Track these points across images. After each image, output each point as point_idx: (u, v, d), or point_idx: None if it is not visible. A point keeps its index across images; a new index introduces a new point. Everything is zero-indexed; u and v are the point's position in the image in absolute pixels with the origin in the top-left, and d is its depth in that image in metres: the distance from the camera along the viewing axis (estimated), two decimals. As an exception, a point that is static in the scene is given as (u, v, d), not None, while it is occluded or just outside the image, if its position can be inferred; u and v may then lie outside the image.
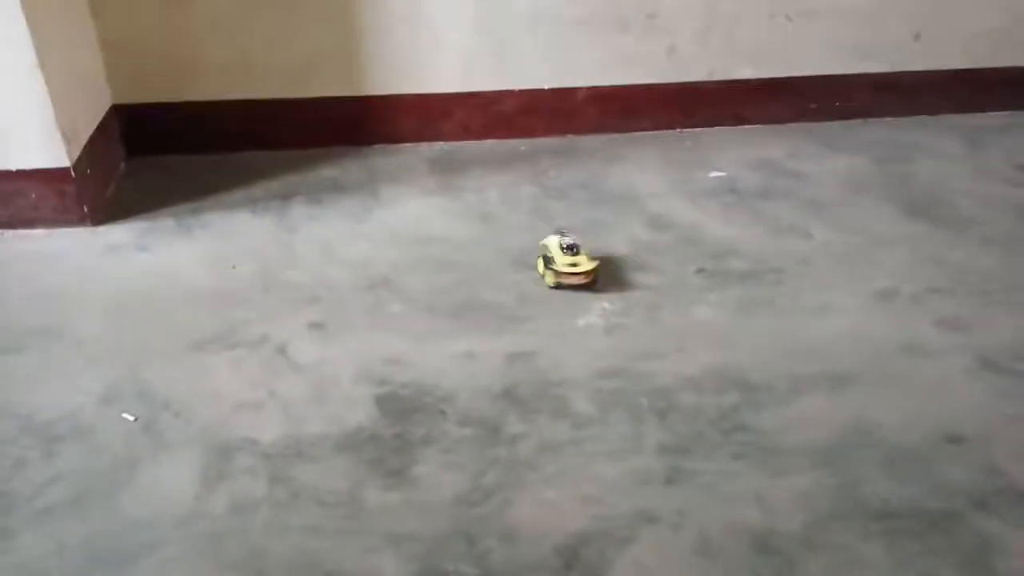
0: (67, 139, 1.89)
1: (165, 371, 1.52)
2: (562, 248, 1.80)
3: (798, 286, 1.81)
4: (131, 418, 1.42)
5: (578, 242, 1.81)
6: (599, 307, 1.73)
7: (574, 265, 1.75)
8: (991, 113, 2.61)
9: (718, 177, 2.26)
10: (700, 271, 1.82)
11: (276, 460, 1.34)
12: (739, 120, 2.53)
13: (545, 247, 1.83)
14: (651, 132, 2.49)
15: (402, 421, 1.42)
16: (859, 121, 2.57)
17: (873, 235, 2.01)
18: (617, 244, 1.95)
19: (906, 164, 2.35)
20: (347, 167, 2.28)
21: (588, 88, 2.43)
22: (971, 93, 2.58)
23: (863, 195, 2.19)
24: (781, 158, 2.37)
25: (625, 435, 1.40)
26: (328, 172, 2.25)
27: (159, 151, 2.28)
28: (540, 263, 1.81)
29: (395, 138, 2.39)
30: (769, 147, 2.42)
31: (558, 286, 1.76)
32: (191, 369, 1.53)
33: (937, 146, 2.44)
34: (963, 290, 1.79)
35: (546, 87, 2.41)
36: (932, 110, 2.59)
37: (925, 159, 2.37)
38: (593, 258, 1.77)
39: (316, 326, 1.66)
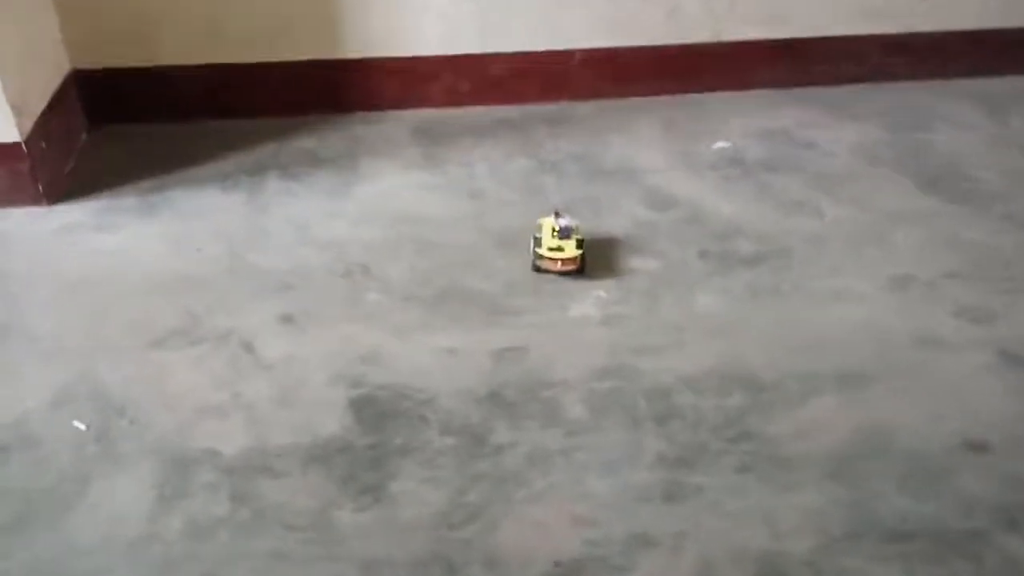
0: (17, 111, 1.74)
1: (122, 370, 1.40)
2: (553, 231, 1.67)
3: (808, 270, 1.69)
4: (83, 426, 1.30)
5: (572, 225, 1.68)
6: (594, 295, 1.61)
7: (558, 250, 1.63)
8: (1010, 77, 2.46)
9: (722, 148, 2.12)
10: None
11: (239, 475, 1.23)
12: (744, 85, 2.38)
13: (539, 227, 1.70)
14: (651, 97, 2.33)
15: (378, 429, 1.31)
16: (870, 85, 2.42)
17: (887, 212, 1.88)
18: (614, 224, 1.82)
19: (921, 132, 2.21)
20: (325, 137, 2.13)
21: (583, 50, 2.27)
22: (987, 55, 2.43)
23: (876, 167, 2.06)
24: (789, 126, 2.22)
25: (621, 444, 1.29)
26: (305, 143, 2.11)
27: (124, 120, 2.13)
28: (531, 244, 1.68)
29: (376, 105, 2.24)
30: (776, 114, 2.27)
31: (537, 270, 1.64)
32: (150, 368, 1.41)
33: (953, 113, 2.29)
34: (982, 276, 1.67)
35: (539, 49, 2.26)
36: (946, 73, 2.44)
37: (941, 127, 2.23)
38: (581, 243, 1.65)
39: (286, 318, 1.53)
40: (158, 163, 1.98)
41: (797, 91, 2.38)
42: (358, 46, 2.17)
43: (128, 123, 2.12)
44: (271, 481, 1.22)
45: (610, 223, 1.82)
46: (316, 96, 2.20)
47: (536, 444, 1.28)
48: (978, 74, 2.44)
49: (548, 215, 1.73)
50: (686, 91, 2.36)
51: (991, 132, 2.21)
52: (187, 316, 1.52)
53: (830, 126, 2.22)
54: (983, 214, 1.87)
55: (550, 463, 1.25)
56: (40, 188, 1.82)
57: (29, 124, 1.80)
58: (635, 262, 1.71)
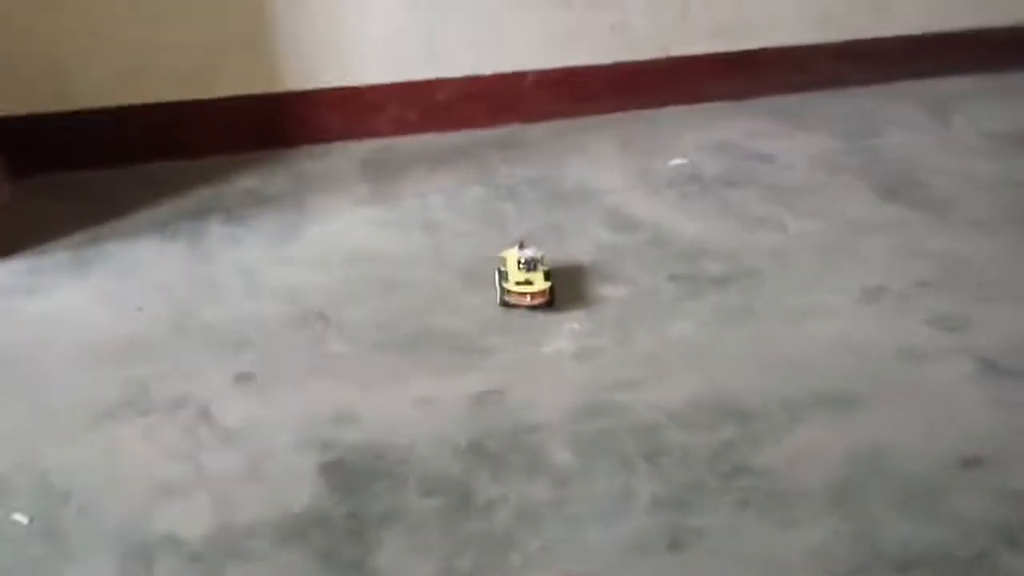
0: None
1: (65, 451, 1.28)
2: (519, 263, 1.60)
3: (778, 288, 1.65)
4: (24, 520, 1.17)
5: (538, 256, 1.61)
6: (567, 328, 1.54)
7: (527, 283, 1.56)
8: (953, 78, 2.48)
9: (679, 164, 2.09)
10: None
11: (206, 561, 1.12)
12: (696, 98, 2.35)
13: (503, 260, 1.63)
14: (604, 116, 2.29)
15: (355, 496, 1.21)
16: (820, 93, 2.42)
17: (850, 223, 1.86)
18: (578, 249, 1.76)
19: (874, 139, 2.21)
20: (268, 175, 2.03)
21: (533, 72, 2.22)
22: (932, 58, 2.45)
23: (834, 176, 2.04)
24: (742, 138, 2.20)
25: (613, 490, 1.22)
26: (247, 182, 2.00)
27: (49, 169, 1.99)
28: (496, 278, 1.61)
29: (320, 137, 2.15)
30: (730, 127, 2.25)
31: (505, 304, 1.57)
32: (97, 447, 1.29)
33: (901, 116, 2.30)
34: (952, 283, 1.65)
35: (486, 72, 2.20)
36: (894, 78, 2.45)
37: (892, 132, 2.23)
38: (548, 274, 1.58)
39: (244, 378, 1.43)
40: (89, 214, 1.86)
41: (749, 102, 2.36)
42: (297, 78, 2.09)
43: (54, 172, 1.99)
44: (242, 565, 1.12)
45: (574, 249, 1.76)
46: (256, 132, 2.10)
47: (524, 498, 1.21)
48: (924, 76, 2.46)
49: (510, 246, 1.66)
50: (639, 107, 2.32)
51: (937, 134, 2.23)
52: (133, 385, 1.40)
53: (784, 136, 2.21)
54: (944, 220, 1.86)
55: (542, 519, 1.18)
56: (-41, 251, 1.69)
57: (-57, 181, 1.67)
58: (604, 290, 1.65)
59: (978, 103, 2.37)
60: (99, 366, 1.45)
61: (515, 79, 2.22)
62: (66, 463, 1.26)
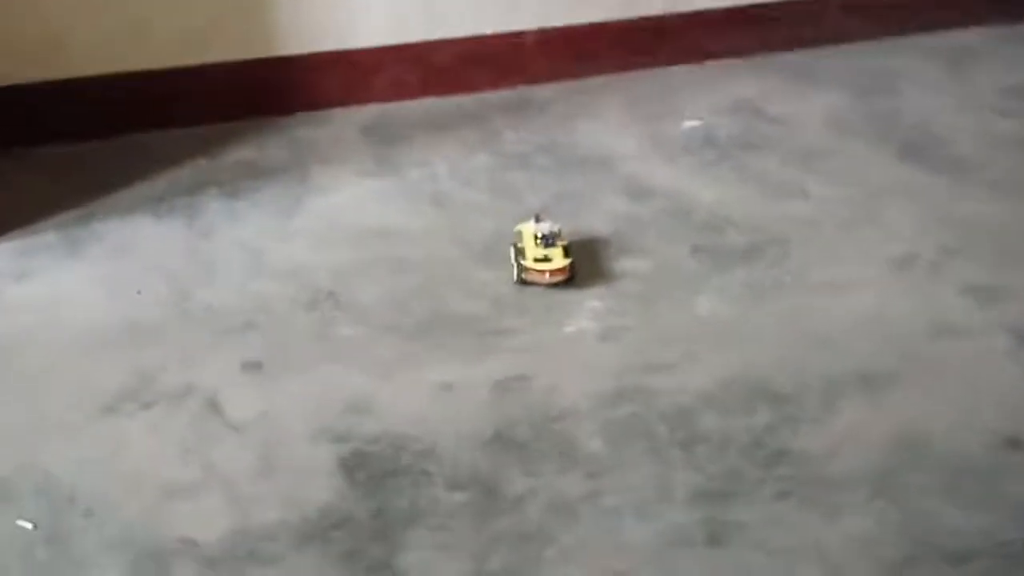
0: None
1: (68, 450, 1.21)
2: (536, 238, 1.53)
3: (805, 260, 1.59)
4: (29, 526, 1.11)
5: (556, 229, 1.54)
6: (588, 306, 1.48)
7: (545, 260, 1.49)
8: (968, 30, 2.39)
9: (693, 127, 2.00)
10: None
11: (224, 566, 1.06)
12: (703, 56, 2.26)
13: (519, 235, 1.55)
14: (611, 76, 2.19)
15: (378, 492, 1.15)
16: (830, 48, 2.32)
17: (872, 187, 1.79)
18: (595, 221, 1.68)
19: (890, 97, 2.12)
20: (266, 145, 1.93)
21: (536, 31, 2.12)
22: (946, 9, 2.35)
23: (852, 138, 1.96)
24: (755, 98, 2.11)
25: (649, 480, 1.17)
26: (244, 153, 1.90)
27: (36, 142, 1.88)
28: (512, 254, 1.54)
29: (319, 104, 2.04)
30: (740, 86, 2.16)
31: (522, 282, 1.50)
32: (101, 443, 1.22)
33: (917, 73, 2.21)
34: (980, 250, 1.60)
35: (488, 32, 2.09)
36: (906, 31, 2.36)
37: (909, 90, 2.15)
38: (568, 249, 1.51)
39: (252, 366, 1.35)
40: (80, 190, 1.76)
41: (757, 59, 2.26)
42: (293, 41, 1.98)
43: (41, 145, 1.88)
44: (261, 570, 1.06)
45: (591, 220, 1.69)
46: (251, 99, 2.00)
47: (556, 491, 1.15)
48: (934, 29, 2.37)
49: (524, 218, 1.58)
50: (645, 67, 2.22)
51: (954, 91, 2.15)
52: (136, 374, 1.33)
53: (797, 96, 2.12)
54: (967, 182, 1.80)
55: (575, 512, 1.12)
56: (-59, 233, 1.60)
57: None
58: (625, 264, 1.58)
59: (996, 57, 2.28)
60: (98, 355, 1.38)
61: (516, 39, 2.11)
62: (70, 462, 1.19)
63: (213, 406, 1.28)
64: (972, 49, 2.31)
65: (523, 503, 1.14)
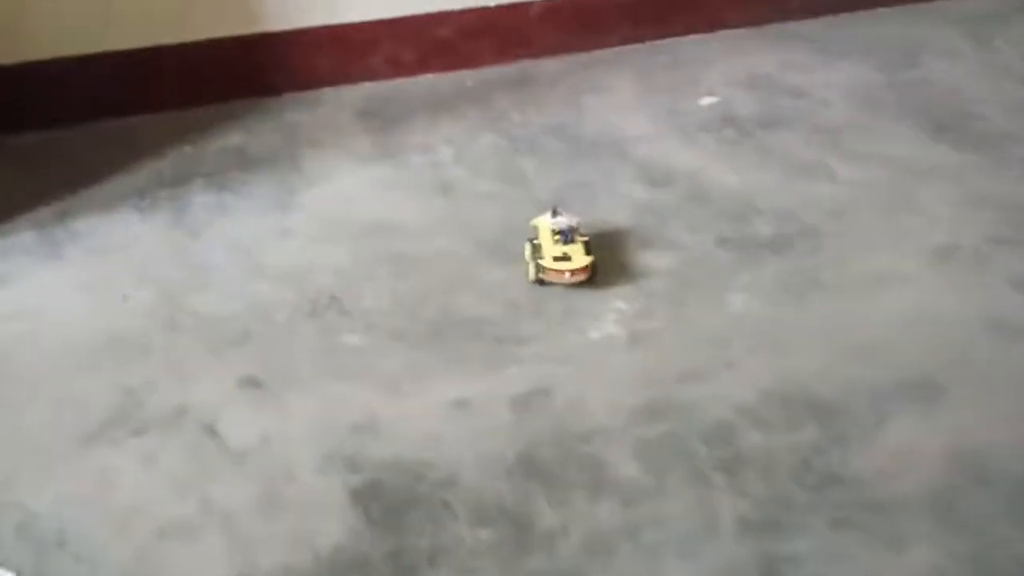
0: None
1: (51, 485, 1.10)
2: (553, 234, 1.42)
3: (840, 250, 1.48)
4: (11, 575, 1.00)
5: (574, 224, 1.43)
6: (613, 308, 1.37)
7: (565, 258, 1.38)
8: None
9: (711, 104, 1.88)
10: None
11: (228, 620, 0.97)
12: (717, 25, 2.13)
13: (535, 229, 1.44)
14: (619, 48, 2.07)
15: (395, 529, 1.05)
16: (848, 16, 2.20)
17: (903, 167, 1.68)
18: (613, 210, 1.57)
19: (913, 68, 2.00)
20: (255, 129, 1.80)
21: (541, 1, 1.99)
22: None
23: (876, 113, 1.85)
24: (774, 71, 1.99)
25: (692, 510, 1.07)
26: (231, 139, 1.78)
27: (6, 130, 1.76)
28: (527, 250, 1.43)
29: (310, 83, 1.92)
30: (757, 57, 2.03)
31: (539, 282, 1.39)
32: (88, 476, 1.12)
33: (940, 41, 2.09)
34: (1025, 237, 1.50)
35: (491, 3, 1.96)
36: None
37: (932, 60, 2.03)
38: (589, 246, 1.41)
39: (251, 382, 1.24)
40: (55, 183, 1.64)
41: (771, 28, 2.14)
42: (281, 15, 1.85)
43: (11, 134, 1.75)
44: (271, 622, 0.96)
45: (608, 210, 1.58)
46: (237, 79, 1.87)
47: (591, 524, 1.05)
48: (959, -8, 2.26)
49: (536, 209, 1.48)
50: (655, 38, 2.10)
51: (981, 60, 2.03)
52: (124, 394, 1.22)
53: (816, 68, 2.00)
54: (1003, 161, 1.69)
55: (614, 549, 1.03)
56: (-93, 236, 1.47)
57: None
58: (648, 258, 1.47)
59: (1019, 24, 2.17)
60: (82, 372, 1.26)
61: (520, 10, 1.99)
62: (54, 499, 1.09)
63: (209, 431, 1.17)
64: (996, 16, 2.18)
65: (556, 540, 1.04)
